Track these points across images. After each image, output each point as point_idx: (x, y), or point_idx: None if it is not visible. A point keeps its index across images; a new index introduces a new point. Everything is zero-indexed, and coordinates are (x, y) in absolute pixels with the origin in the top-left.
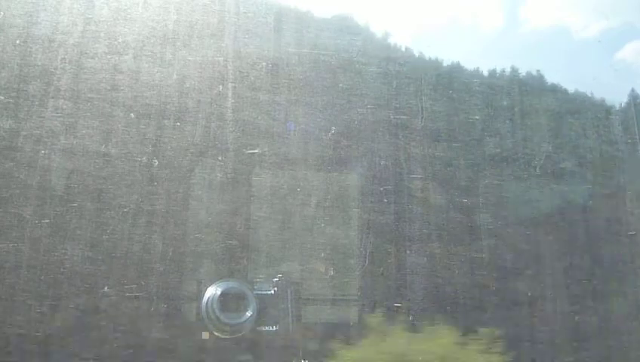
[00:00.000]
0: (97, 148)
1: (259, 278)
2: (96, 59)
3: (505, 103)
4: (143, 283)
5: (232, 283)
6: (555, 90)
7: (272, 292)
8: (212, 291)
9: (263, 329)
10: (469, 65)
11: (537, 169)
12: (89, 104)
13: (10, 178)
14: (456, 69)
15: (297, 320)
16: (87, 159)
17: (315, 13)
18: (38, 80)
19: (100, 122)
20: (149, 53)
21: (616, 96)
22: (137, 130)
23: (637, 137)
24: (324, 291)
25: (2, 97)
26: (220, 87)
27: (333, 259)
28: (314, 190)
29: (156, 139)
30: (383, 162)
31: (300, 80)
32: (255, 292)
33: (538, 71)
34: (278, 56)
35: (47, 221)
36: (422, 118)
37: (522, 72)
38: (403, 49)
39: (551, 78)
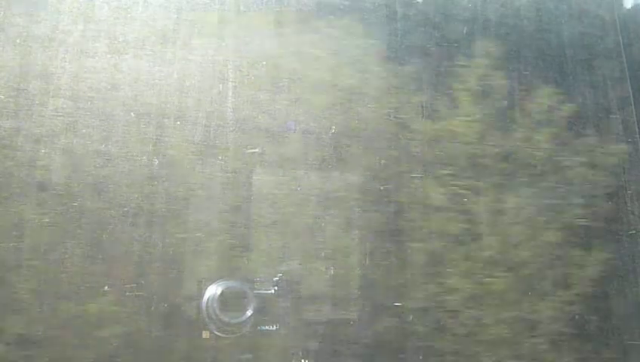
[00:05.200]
0: (96, 147)
1: (259, 278)
2: (96, 57)
3: None
4: (142, 282)
5: (232, 283)
6: None
7: (273, 291)
8: (212, 290)
9: (263, 328)
10: None
11: None
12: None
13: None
14: None
15: (297, 319)
16: (86, 158)
17: None
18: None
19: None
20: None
21: None
22: (137, 129)
23: None
24: (324, 290)
25: None
26: (221, 85)
27: (334, 258)
28: (319, 189)
29: (156, 139)
30: None
31: None
32: (255, 291)
33: None
34: None
35: (48, 220)
36: None
37: None
38: None
39: None
